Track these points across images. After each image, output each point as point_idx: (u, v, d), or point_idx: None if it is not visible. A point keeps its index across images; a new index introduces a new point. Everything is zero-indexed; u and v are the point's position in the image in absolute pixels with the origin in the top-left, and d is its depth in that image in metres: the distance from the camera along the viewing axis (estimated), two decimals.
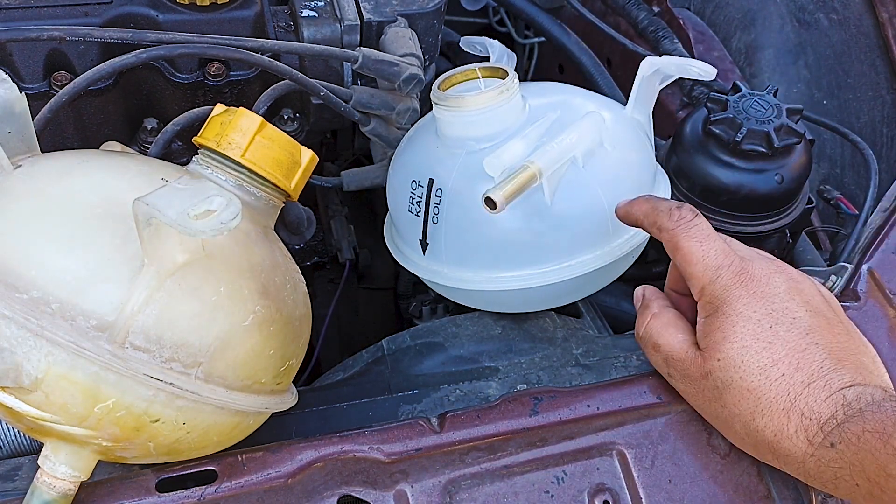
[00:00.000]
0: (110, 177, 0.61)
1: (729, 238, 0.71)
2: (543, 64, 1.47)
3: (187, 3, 0.83)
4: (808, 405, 0.63)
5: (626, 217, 0.74)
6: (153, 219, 0.52)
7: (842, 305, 0.78)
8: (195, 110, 0.83)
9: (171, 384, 0.56)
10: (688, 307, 0.74)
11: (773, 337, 0.65)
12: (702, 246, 0.68)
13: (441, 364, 0.86)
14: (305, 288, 0.70)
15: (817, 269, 0.86)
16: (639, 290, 0.77)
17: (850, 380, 0.63)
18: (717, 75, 0.83)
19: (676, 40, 1.12)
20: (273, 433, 0.71)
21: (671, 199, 0.85)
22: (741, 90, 0.90)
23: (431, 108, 0.81)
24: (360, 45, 0.90)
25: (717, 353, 0.66)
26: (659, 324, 0.72)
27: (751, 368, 0.64)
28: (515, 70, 0.81)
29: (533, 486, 0.69)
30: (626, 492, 0.70)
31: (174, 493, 0.64)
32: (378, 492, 0.67)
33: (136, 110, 0.91)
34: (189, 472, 0.66)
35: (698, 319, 0.69)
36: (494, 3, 1.34)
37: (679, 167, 0.91)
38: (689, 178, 0.90)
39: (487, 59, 0.87)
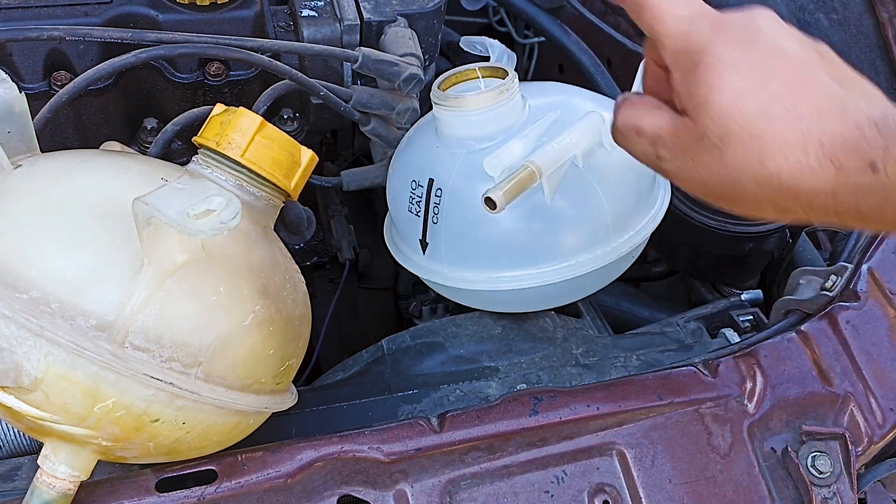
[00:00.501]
0: (110, 177, 0.61)
1: None
2: (543, 64, 1.47)
3: (187, 2, 0.83)
4: (825, 133, 0.55)
5: None
6: (153, 218, 0.52)
7: (842, 305, 0.78)
8: (195, 110, 0.83)
9: (170, 384, 0.56)
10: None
11: (766, 74, 0.57)
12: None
13: (441, 364, 0.86)
14: (305, 288, 0.70)
15: (817, 268, 0.86)
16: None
17: (867, 104, 0.55)
18: None
19: None
20: (273, 433, 0.71)
21: (671, 199, 0.85)
22: None
23: (431, 108, 0.81)
24: (360, 45, 0.90)
25: (707, 108, 0.58)
26: (636, 108, 0.64)
27: (749, 112, 0.56)
28: (515, 70, 0.81)
29: (533, 485, 0.69)
30: (626, 492, 0.70)
31: (174, 492, 0.64)
32: (378, 492, 0.67)
33: (136, 110, 0.91)
34: (189, 471, 0.66)
35: (676, 81, 0.61)
36: (494, 3, 1.34)
37: None
38: None
39: (487, 58, 0.87)
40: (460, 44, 0.93)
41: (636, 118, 0.63)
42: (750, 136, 0.56)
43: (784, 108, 0.56)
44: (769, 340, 0.77)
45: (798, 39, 0.59)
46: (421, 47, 0.90)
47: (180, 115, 0.83)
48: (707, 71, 0.58)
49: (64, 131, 0.88)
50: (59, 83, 0.83)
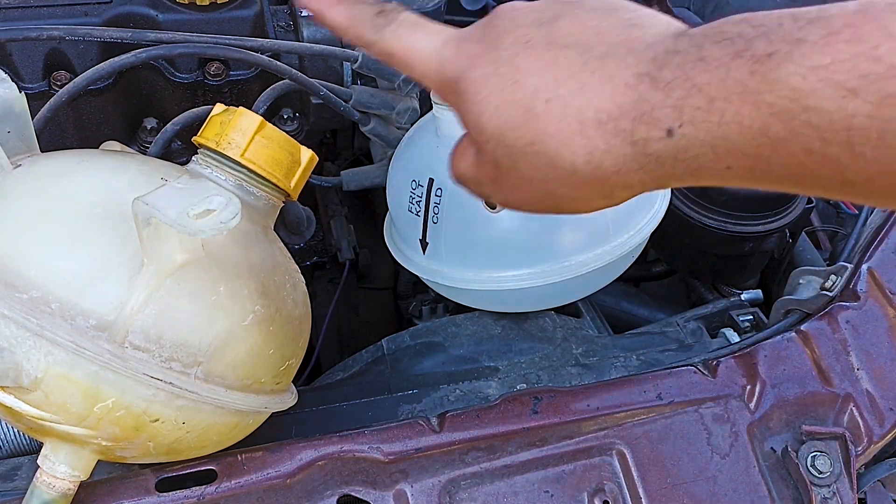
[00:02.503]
0: (110, 176, 0.61)
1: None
2: None
3: (187, 2, 0.83)
4: (598, 108, 0.48)
5: (332, 25, 0.61)
6: (153, 218, 0.52)
7: (842, 305, 0.78)
8: (195, 110, 0.83)
9: (170, 384, 0.56)
10: None
11: (516, 72, 0.51)
12: (410, 39, 0.56)
13: (441, 364, 0.86)
14: (305, 287, 0.70)
15: (817, 268, 0.86)
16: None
17: (638, 55, 0.48)
18: None
19: None
20: (273, 433, 0.71)
21: (671, 199, 0.85)
22: None
23: (431, 108, 0.81)
24: None
25: (483, 134, 0.53)
26: (454, 156, 0.60)
27: (516, 121, 0.51)
28: None
29: (533, 485, 0.69)
30: (626, 492, 0.70)
31: (174, 492, 0.64)
32: (378, 491, 0.67)
33: (136, 110, 0.91)
34: (189, 471, 0.66)
35: (458, 116, 0.57)
36: (494, 2, 1.34)
37: None
38: None
39: None
40: None
41: (456, 167, 0.60)
42: (530, 143, 0.51)
43: (545, 101, 0.50)
44: (769, 340, 0.77)
45: (545, 16, 0.53)
46: None
47: (180, 115, 0.83)
48: (467, 98, 0.54)
49: (64, 131, 0.88)
50: (58, 83, 0.83)
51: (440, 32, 0.56)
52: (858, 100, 0.38)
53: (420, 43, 0.56)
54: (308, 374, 1.10)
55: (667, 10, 1.17)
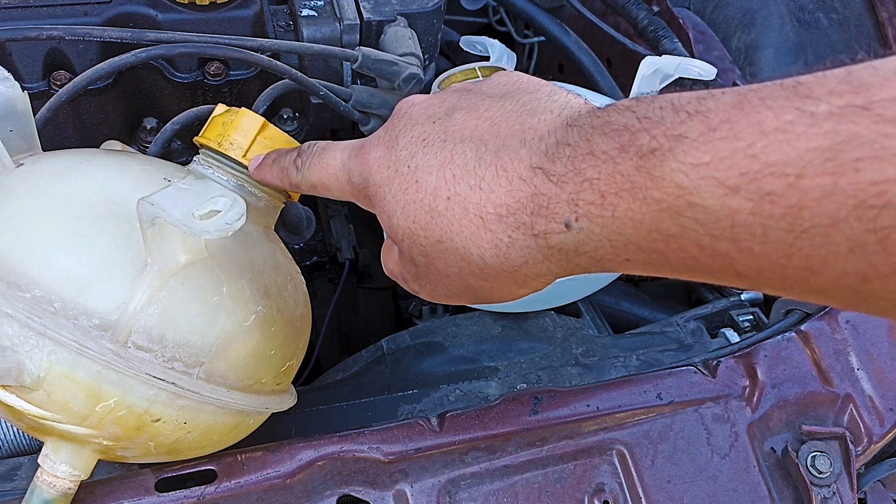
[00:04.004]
0: (113, 176, 0.61)
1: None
2: (543, 64, 1.47)
3: (186, 2, 0.83)
4: (495, 203, 0.48)
5: (265, 181, 0.65)
6: (157, 219, 0.52)
7: None
8: (194, 109, 0.82)
9: (172, 384, 0.56)
10: None
11: (416, 172, 0.52)
12: (322, 162, 0.59)
13: (441, 364, 0.86)
14: (305, 288, 0.70)
15: None
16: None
17: (525, 147, 0.48)
18: (717, 75, 0.83)
19: (676, 40, 1.12)
20: (273, 433, 0.71)
21: None
22: None
23: None
24: (360, 45, 0.90)
25: (396, 235, 0.54)
26: (384, 254, 0.62)
27: (423, 220, 0.52)
28: (515, 70, 0.81)
29: (532, 485, 0.69)
30: (626, 492, 0.70)
31: (174, 492, 0.64)
32: (378, 492, 0.67)
33: (136, 110, 0.91)
34: (188, 471, 0.66)
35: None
36: (494, 2, 1.34)
37: None
38: None
39: (487, 58, 0.87)
40: (460, 43, 0.93)
41: (385, 263, 0.63)
42: (439, 241, 0.52)
43: (446, 199, 0.51)
44: (769, 340, 0.77)
45: (439, 114, 0.54)
46: (421, 47, 0.90)
47: (180, 115, 0.83)
48: (376, 202, 0.55)
49: (63, 131, 0.88)
50: (58, 83, 0.83)
51: (344, 147, 0.57)
52: (740, 197, 0.38)
53: (328, 164, 0.58)
54: (308, 374, 1.10)
55: (667, 10, 1.17)
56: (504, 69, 0.80)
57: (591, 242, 0.45)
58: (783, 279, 0.39)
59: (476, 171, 0.50)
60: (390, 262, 0.61)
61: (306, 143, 0.62)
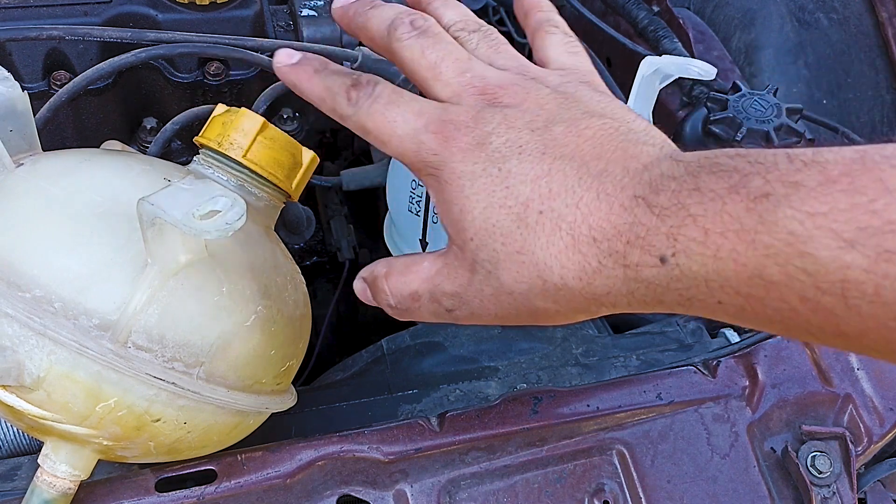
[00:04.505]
0: (113, 175, 0.61)
1: (445, 54, 0.55)
2: None
3: (186, 2, 0.83)
4: (592, 225, 0.47)
5: (304, 93, 0.59)
6: (157, 218, 0.52)
7: None
8: (194, 109, 0.83)
9: (172, 384, 0.56)
10: None
11: (508, 178, 0.49)
12: (387, 117, 0.53)
13: (441, 364, 0.86)
14: (305, 288, 0.70)
15: None
16: (356, 283, 0.61)
17: (628, 175, 0.47)
18: (717, 75, 0.83)
19: (676, 40, 1.12)
20: (273, 433, 0.71)
21: None
22: (741, 90, 0.91)
23: None
24: (360, 45, 0.90)
25: (464, 231, 0.51)
26: (397, 276, 0.57)
27: (504, 226, 0.49)
28: None
29: (532, 485, 0.69)
30: (626, 491, 0.70)
31: (173, 492, 0.64)
32: (378, 492, 0.67)
33: (136, 110, 0.91)
34: (188, 471, 0.66)
35: (432, 198, 0.55)
36: (494, 2, 1.34)
37: None
38: None
39: None
40: None
41: (405, 284, 0.56)
42: (517, 252, 0.49)
43: (538, 212, 0.48)
44: (769, 340, 0.77)
45: (536, 122, 0.51)
46: None
47: (180, 115, 0.83)
48: (448, 188, 0.51)
49: (63, 131, 0.88)
50: (58, 83, 0.83)
51: (420, 114, 0.53)
52: (855, 252, 0.37)
53: (395, 120, 0.53)
54: (308, 374, 1.10)
55: (667, 10, 1.17)
56: None
57: (684, 280, 0.44)
58: (888, 343, 0.38)
59: (576, 190, 0.48)
60: (419, 275, 0.55)
61: (365, 77, 0.56)
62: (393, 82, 0.85)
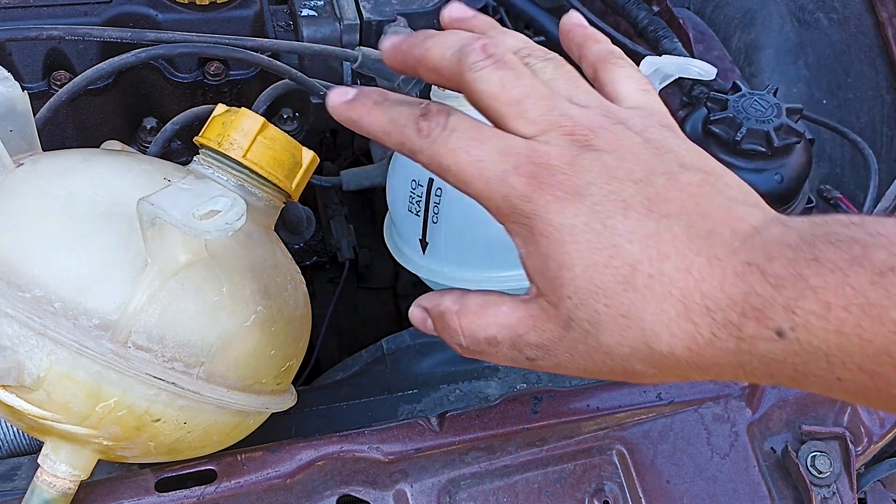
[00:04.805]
0: (113, 175, 0.61)
1: (529, 90, 0.50)
2: None
3: (186, 2, 0.83)
4: (706, 293, 0.44)
5: (364, 130, 0.54)
6: (157, 218, 0.52)
7: None
8: (194, 109, 0.83)
9: (172, 384, 0.56)
10: None
11: (613, 236, 0.46)
12: (472, 156, 0.48)
13: (441, 364, 0.86)
14: (305, 288, 0.70)
15: None
16: (413, 312, 0.58)
17: (738, 239, 0.45)
18: (716, 75, 0.82)
19: (676, 40, 1.12)
20: (272, 433, 0.71)
21: None
22: (741, 90, 0.90)
23: None
24: (360, 45, 0.90)
25: (562, 288, 0.47)
26: (472, 317, 0.52)
27: (609, 288, 0.46)
28: None
29: (532, 485, 0.69)
30: (626, 492, 0.70)
31: (173, 492, 0.64)
32: (378, 491, 0.67)
33: (136, 110, 0.91)
34: (188, 471, 0.66)
35: (517, 248, 0.50)
36: (494, 2, 1.34)
37: None
38: None
39: None
40: None
41: (481, 329, 0.52)
42: (623, 316, 0.46)
43: (647, 275, 0.45)
44: None
45: (636, 172, 0.48)
46: None
47: (180, 115, 0.83)
48: (545, 241, 0.47)
49: (63, 131, 0.88)
50: (58, 83, 0.83)
51: (507, 153, 0.48)
52: None
53: (483, 163, 0.48)
54: (308, 374, 1.10)
55: (667, 10, 1.17)
56: None
57: (803, 355, 0.41)
58: None
59: (686, 253, 0.45)
60: (497, 319, 0.52)
61: (434, 106, 0.51)
62: (392, 82, 0.86)
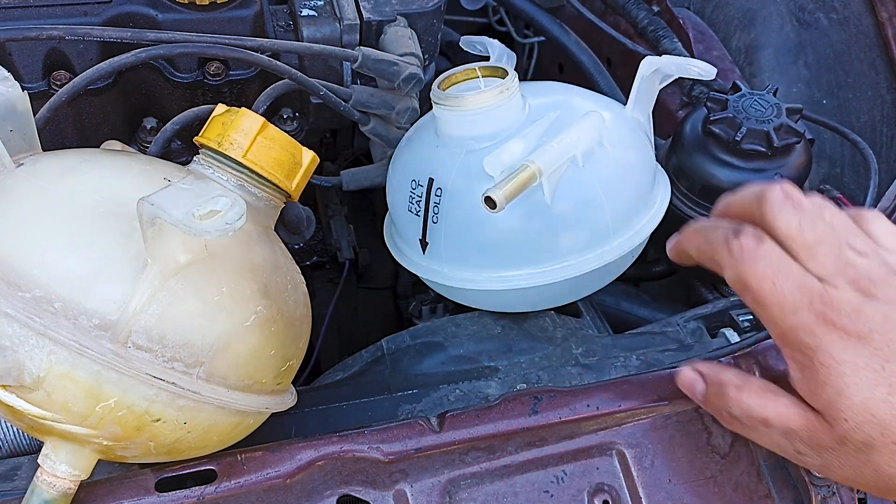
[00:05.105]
0: (113, 175, 0.61)
1: (822, 236, 0.59)
2: (543, 63, 1.47)
3: (186, 2, 0.83)
4: None
5: (679, 256, 0.67)
6: (157, 219, 0.52)
7: None
8: (194, 109, 0.83)
9: (172, 384, 0.56)
10: None
11: (891, 376, 0.56)
12: (774, 283, 0.57)
13: (441, 364, 0.86)
14: (305, 288, 0.70)
15: None
16: (686, 372, 0.67)
17: None
18: (716, 75, 0.83)
19: (676, 40, 1.12)
20: (272, 433, 0.71)
21: (671, 199, 0.85)
22: (741, 90, 0.91)
23: (431, 108, 0.81)
24: (360, 45, 0.90)
25: (838, 412, 0.57)
26: (752, 395, 0.62)
27: (885, 419, 0.56)
28: (515, 69, 0.81)
29: (532, 485, 0.69)
30: (626, 491, 0.70)
31: (173, 492, 0.64)
32: (377, 491, 0.67)
33: (136, 110, 0.91)
34: (188, 471, 0.66)
35: (790, 369, 0.60)
36: (494, 2, 1.34)
37: (679, 167, 0.91)
38: (689, 178, 0.90)
39: (487, 58, 0.87)
40: (460, 43, 0.93)
41: (758, 408, 0.61)
42: (894, 443, 0.56)
43: None
44: (769, 340, 0.77)
45: None
46: (421, 47, 0.90)
47: (180, 115, 0.83)
48: (825, 371, 0.57)
49: (63, 131, 0.88)
50: (58, 83, 0.83)
51: (804, 289, 0.57)
52: None
53: (784, 293, 0.57)
54: (308, 374, 1.10)
55: (667, 10, 1.17)
56: (504, 69, 0.80)
57: None
58: None
59: None
60: (772, 409, 0.61)
61: (747, 228, 0.60)
62: (393, 82, 0.86)
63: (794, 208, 0.59)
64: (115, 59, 0.78)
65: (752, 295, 0.59)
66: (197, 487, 0.65)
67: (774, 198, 0.59)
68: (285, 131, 0.71)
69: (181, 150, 0.92)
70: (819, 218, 0.59)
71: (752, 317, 0.90)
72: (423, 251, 0.82)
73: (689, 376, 0.66)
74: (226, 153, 0.65)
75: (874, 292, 0.57)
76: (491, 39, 0.89)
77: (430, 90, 0.80)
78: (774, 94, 0.90)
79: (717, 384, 0.64)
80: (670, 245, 0.67)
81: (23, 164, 0.62)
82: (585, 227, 0.77)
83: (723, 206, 0.64)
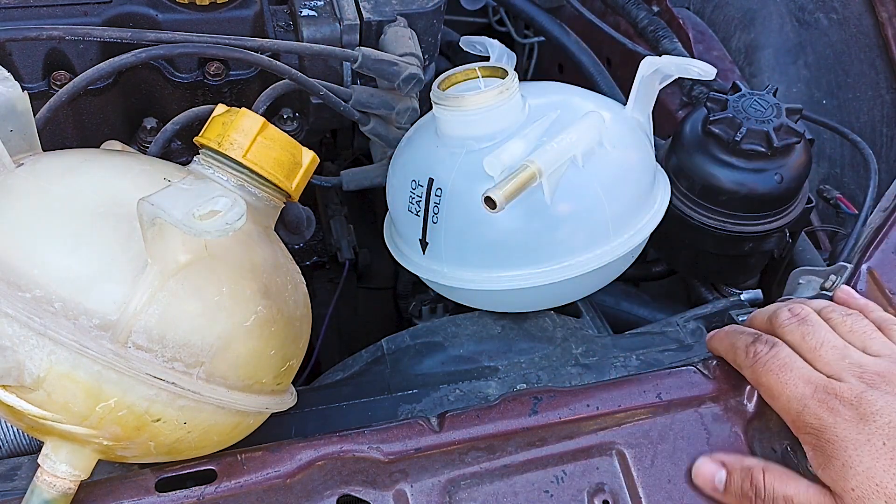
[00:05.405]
0: (113, 176, 0.61)
1: (823, 340, 0.69)
2: (543, 64, 1.47)
3: (186, 2, 0.83)
4: None
5: (714, 351, 0.77)
6: (157, 219, 0.52)
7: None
8: (194, 109, 0.83)
9: (172, 384, 0.56)
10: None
11: (893, 452, 0.62)
12: (780, 378, 0.67)
13: (441, 364, 0.86)
14: (305, 288, 0.70)
15: (817, 268, 0.86)
16: (706, 464, 0.71)
17: None
18: (716, 75, 0.83)
19: (676, 40, 1.12)
20: (273, 433, 0.71)
21: (671, 199, 0.85)
22: (741, 90, 0.91)
23: (431, 108, 0.81)
24: (360, 45, 0.90)
25: (846, 483, 0.63)
26: (775, 477, 0.68)
27: (889, 488, 0.62)
28: (515, 70, 0.81)
29: (532, 485, 0.69)
30: (626, 491, 0.70)
31: (173, 492, 0.64)
32: (377, 491, 0.67)
33: (136, 110, 0.91)
34: (188, 471, 0.66)
35: (807, 453, 0.67)
36: (494, 2, 1.34)
37: (679, 167, 0.91)
38: (689, 178, 0.90)
39: (487, 58, 0.87)
40: (460, 44, 0.93)
41: (781, 488, 0.67)
42: None
43: None
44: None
45: None
46: (421, 47, 0.90)
47: (180, 115, 0.83)
48: (832, 448, 0.64)
49: (63, 131, 0.88)
50: (58, 83, 0.83)
51: (808, 382, 0.66)
52: None
53: (788, 385, 0.67)
54: (308, 374, 1.10)
55: (667, 10, 1.17)
56: (504, 69, 0.80)
57: None
58: None
59: None
60: (794, 487, 0.66)
61: (765, 337, 0.71)
62: (393, 82, 0.86)
63: (799, 322, 0.70)
64: (115, 59, 0.78)
65: (765, 389, 0.69)
66: (197, 487, 0.65)
67: (783, 317, 0.71)
68: (285, 131, 0.70)
69: (181, 150, 0.92)
70: (821, 327, 0.70)
71: None
72: (423, 251, 0.82)
73: (709, 467, 0.70)
74: (226, 153, 0.65)
75: (879, 384, 0.65)
76: (491, 40, 0.89)
77: (430, 90, 0.80)
78: (774, 95, 0.90)
79: (743, 469, 0.69)
80: (708, 340, 0.78)
81: (23, 164, 0.62)
82: (585, 227, 0.77)
83: (748, 320, 0.77)
